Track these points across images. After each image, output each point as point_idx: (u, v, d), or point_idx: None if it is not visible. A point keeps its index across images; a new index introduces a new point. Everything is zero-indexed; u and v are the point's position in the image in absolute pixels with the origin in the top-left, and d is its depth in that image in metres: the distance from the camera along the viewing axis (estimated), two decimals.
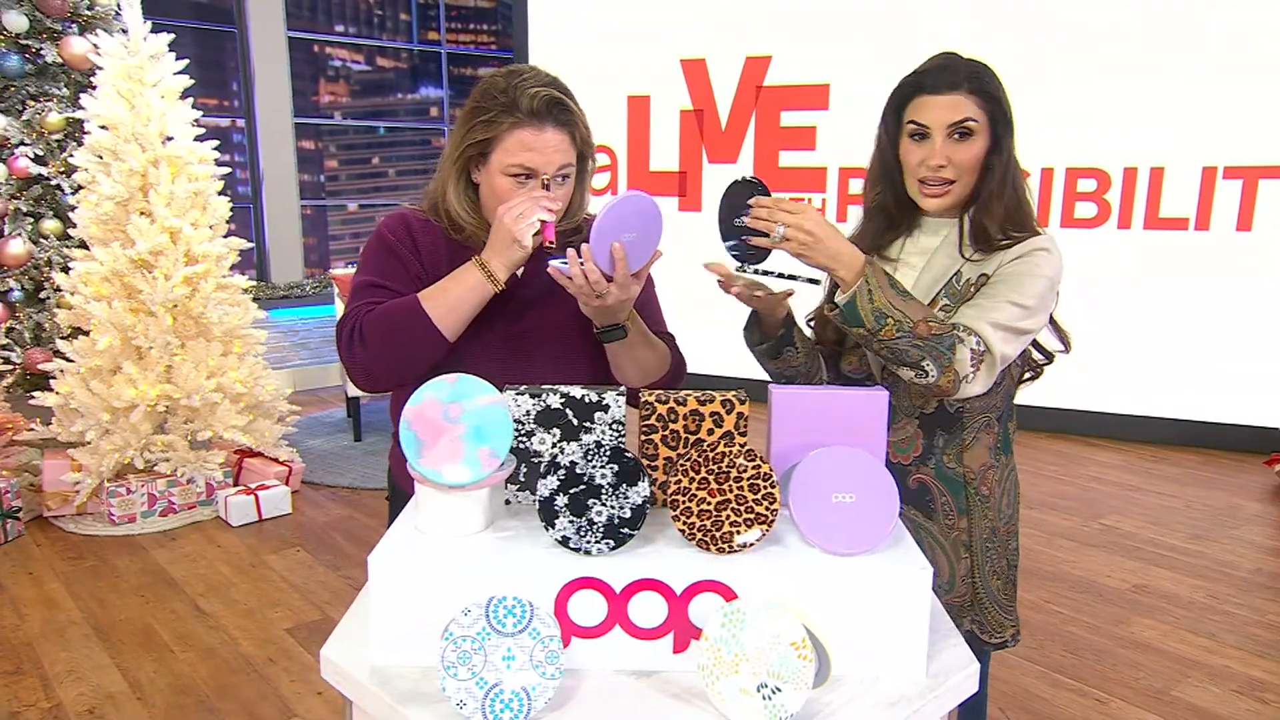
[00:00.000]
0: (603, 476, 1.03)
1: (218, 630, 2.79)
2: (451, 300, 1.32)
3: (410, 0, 7.36)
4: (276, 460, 4.00)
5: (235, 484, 3.90)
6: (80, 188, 3.75)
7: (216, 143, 3.87)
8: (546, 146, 1.34)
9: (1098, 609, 2.96)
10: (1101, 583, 3.16)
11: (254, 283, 4.17)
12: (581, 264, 1.25)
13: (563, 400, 1.13)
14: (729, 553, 1.03)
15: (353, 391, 4.82)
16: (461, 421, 1.06)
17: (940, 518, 1.45)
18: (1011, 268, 1.34)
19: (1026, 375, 1.49)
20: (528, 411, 1.13)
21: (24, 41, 4.24)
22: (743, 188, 1.28)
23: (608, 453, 1.03)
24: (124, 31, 3.94)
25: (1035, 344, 1.45)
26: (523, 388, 1.13)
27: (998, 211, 1.36)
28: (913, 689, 1.00)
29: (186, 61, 3.80)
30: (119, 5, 4.37)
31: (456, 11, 7.65)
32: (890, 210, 1.45)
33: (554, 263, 1.29)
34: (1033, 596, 3.01)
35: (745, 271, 1.32)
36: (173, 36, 3.74)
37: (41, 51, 4.27)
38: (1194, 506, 3.92)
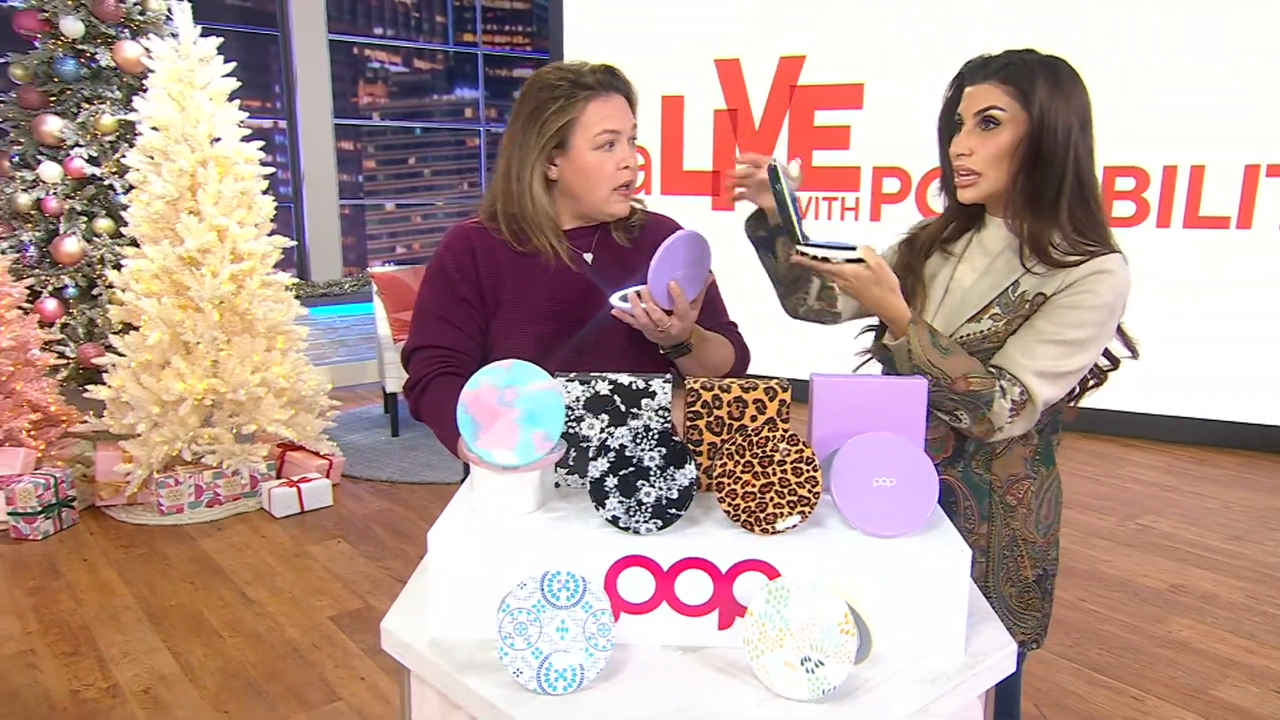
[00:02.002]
0: (651, 459, 1.07)
1: (264, 617, 2.88)
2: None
3: (446, 2, 7.46)
4: (318, 454, 4.09)
5: (278, 476, 3.99)
6: (132, 187, 3.87)
7: (262, 143, 3.97)
8: (620, 109, 1.47)
9: (1134, 608, 2.95)
10: (1139, 582, 3.14)
11: (296, 280, 4.27)
12: (644, 305, 1.32)
13: (611, 387, 1.17)
14: (772, 534, 1.07)
15: (390, 388, 4.91)
16: (516, 406, 1.11)
17: (961, 520, 1.44)
18: (1066, 297, 1.29)
19: (1091, 384, 1.44)
20: (577, 397, 1.18)
21: (80, 46, 4.38)
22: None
23: (656, 436, 1.07)
24: (174, 36, 4.06)
25: (1104, 351, 1.40)
26: (573, 375, 1.18)
27: (1050, 217, 1.30)
28: (951, 667, 1.03)
29: (234, 65, 3.90)
30: (170, 10, 4.50)
31: (492, 13, 7.73)
32: (953, 206, 1.45)
33: (617, 304, 1.36)
34: (1068, 595, 3.00)
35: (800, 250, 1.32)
36: (221, 40, 3.84)
37: (96, 56, 4.42)
38: (1233, 508, 3.87)
